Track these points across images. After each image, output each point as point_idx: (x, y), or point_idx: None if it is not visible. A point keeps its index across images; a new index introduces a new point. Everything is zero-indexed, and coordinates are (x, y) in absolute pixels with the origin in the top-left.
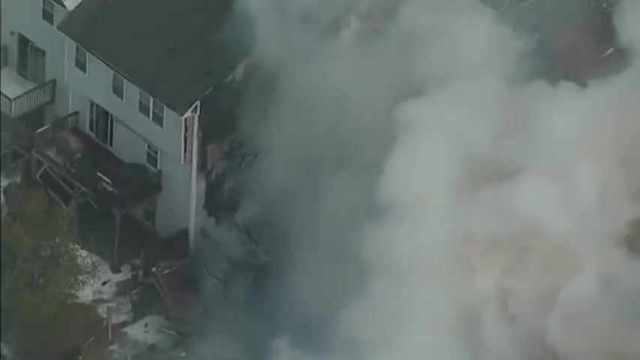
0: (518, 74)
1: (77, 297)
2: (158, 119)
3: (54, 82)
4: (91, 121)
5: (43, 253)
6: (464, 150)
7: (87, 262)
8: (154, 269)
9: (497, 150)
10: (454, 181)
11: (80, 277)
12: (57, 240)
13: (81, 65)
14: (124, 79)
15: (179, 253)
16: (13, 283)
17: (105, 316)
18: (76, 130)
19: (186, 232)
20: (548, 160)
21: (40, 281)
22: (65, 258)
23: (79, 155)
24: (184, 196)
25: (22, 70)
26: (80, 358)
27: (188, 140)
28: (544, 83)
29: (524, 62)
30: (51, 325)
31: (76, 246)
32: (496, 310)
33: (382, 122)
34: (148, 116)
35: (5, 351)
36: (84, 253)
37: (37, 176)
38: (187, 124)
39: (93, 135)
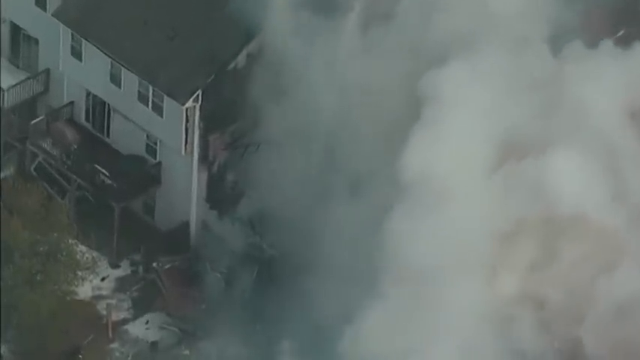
0: (553, 38)
1: (76, 293)
2: (158, 109)
3: (47, 71)
4: (87, 111)
5: (42, 248)
6: (496, 125)
7: (87, 258)
8: (154, 264)
9: (532, 123)
10: (486, 161)
11: (80, 273)
12: (56, 235)
13: (76, 54)
14: (122, 68)
15: (180, 247)
16: (11, 280)
17: (104, 313)
18: (72, 121)
19: (187, 225)
20: (587, 133)
21: (39, 278)
22: (64, 253)
23: (75, 147)
24: (185, 188)
25: (14, 59)
26: (80, 356)
27: (189, 131)
28: (581, 45)
29: (559, 25)
30: (50, 323)
31: (75, 241)
32: (530, 308)
33: (398, 104)
34: (148, 106)
35: (3, 350)
36: (83, 248)
37: (32, 169)
38: (188, 114)
39: (89, 126)
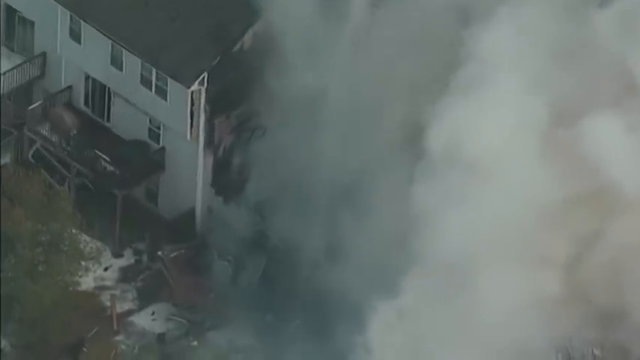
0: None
1: (79, 284)
2: (162, 92)
3: (44, 55)
4: (86, 95)
5: (44, 238)
6: (542, 91)
7: (91, 248)
8: (159, 253)
9: (579, 90)
10: (530, 131)
11: (84, 264)
12: (58, 224)
13: (75, 36)
14: (124, 50)
15: (185, 235)
16: (12, 272)
17: (108, 304)
18: (70, 106)
19: (192, 212)
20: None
21: (41, 269)
22: (67, 243)
23: (75, 132)
24: (190, 174)
25: (9, 42)
26: (84, 350)
27: (195, 114)
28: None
29: None
30: (52, 316)
31: (77, 230)
32: (575, 298)
33: (425, 70)
34: (151, 90)
35: (3, 344)
36: (86, 237)
37: (29, 156)
38: (194, 97)
39: (88, 110)
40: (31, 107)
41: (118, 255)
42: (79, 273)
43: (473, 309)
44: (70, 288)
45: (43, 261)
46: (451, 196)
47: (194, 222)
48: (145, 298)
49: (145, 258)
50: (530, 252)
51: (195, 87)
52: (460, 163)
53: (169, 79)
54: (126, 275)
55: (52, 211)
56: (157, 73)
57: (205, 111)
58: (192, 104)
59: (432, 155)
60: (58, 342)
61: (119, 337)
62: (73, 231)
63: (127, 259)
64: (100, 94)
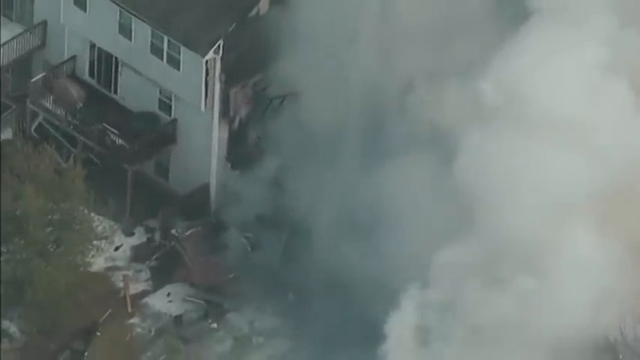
0: None
1: (91, 265)
2: (174, 62)
3: (44, 23)
4: (92, 66)
5: (55, 217)
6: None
7: (104, 227)
8: (173, 231)
9: None
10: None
11: (97, 243)
12: (69, 203)
13: (80, 3)
14: (133, 18)
15: (200, 211)
16: (23, 253)
17: (121, 285)
18: (75, 77)
19: (206, 187)
20: None
21: (52, 249)
22: (79, 222)
23: (81, 105)
24: (204, 147)
25: (7, 11)
26: (97, 334)
27: (209, 84)
28: None
29: None
30: (64, 299)
31: (88, 208)
32: None
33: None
34: (162, 59)
35: (12, 329)
36: (97, 215)
37: (32, 130)
38: (209, 66)
39: (94, 82)
40: (34, 79)
41: (129, 233)
42: (91, 253)
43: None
44: (81, 269)
45: (54, 241)
46: (505, 155)
47: (208, 198)
48: (159, 279)
49: (157, 236)
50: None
51: (210, 55)
52: (515, 124)
53: (182, 48)
54: (138, 254)
55: (64, 189)
56: (168, 41)
57: (220, 80)
58: (207, 74)
59: (484, 111)
60: (70, 326)
61: (134, 320)
62: (85, 209)
63: (139, 237)
64: (106, 65)
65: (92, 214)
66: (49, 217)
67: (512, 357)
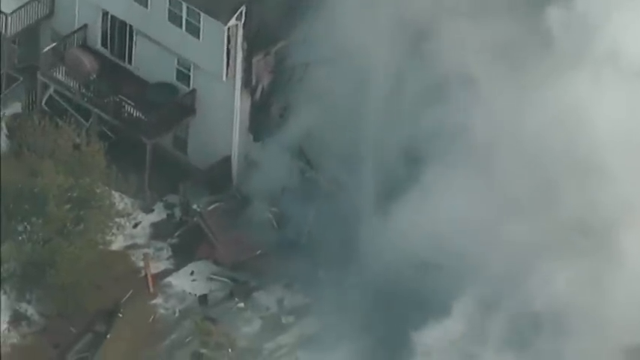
0: None
1: (111, 244)
2: (194, 30)
3: None
4: (104, 35)
5: (75, 194)
6: None
7: (125, 203)
8: (194, 206)
9: None
10: None
11: (118, 221)
12: (89, 179)
13: None
14: None
15: (221, 186)
16: (43, 233)
17: (141, 264)
18: (87, 47)
19: (227, 160)
20: None
21: (72, 228)
22: (100, 199)
23: (94, 76)
24: (224, 118)
25: None
26: (119, 315)
27: (231, 53)
28: None
29: None
30: (84, 279)
31: (108, 185)
32: None
33: None
34: (181, 27)
35: (31, 312)
36: (116, 192)
37: (43, 103)
38: (230, 33)
39: (106, 52)
40: (45, 49)
41: (148, 210)
42: (113, 231)
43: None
44: (101, 247)
45: (74, 219)
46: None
47: (230, 171)
48: (181, 257)
49: (177, 212)
50: None
51: (232, 22)
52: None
53: (203, 15)
54: (158, 232)
55: (84, 165)
56: (187, 8)
57: (243, 49)
58: (229, 41)
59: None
60: (91, 308)
61: (156, 301)
62: (105, 186)
63: (158, 213)
64: (120, 34)
65: (112, 191)
66: (69, 194)
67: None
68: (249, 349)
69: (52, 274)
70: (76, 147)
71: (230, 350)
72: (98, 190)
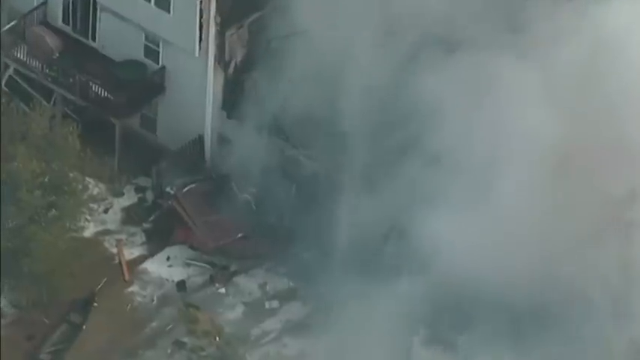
0: None
1: (84, 230)
2: (164, 4)
3: None
4: (65, 11)
5: (47, 179)
6: None
7: (99, 188)
8: (168, 189)
9: None
10: None
11: (92, 206)
12: (62, 162)
13: None
14: None
15: (193, 166)
16: (14, 220)
17: (114, 251)
18: (48, 25)
19: (200, 139)
20: None
21: (48, 214)
22: (72, 183)
23: (57, 55)
24: (197, 96)
25: None
26: (95, 305)
27: (204, 27)
28: None
29: None
30: (59, 269)
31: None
32: None
33: None
34: (150, 1)
35: (3, 303)
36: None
37: (2, 84)
38: (203, 7)
39: (68, 29)
40: (5, 28)
41: (118, 193)
42: (86, 217)
43: None
44: (74, 234)
45: (47, 206)
46: None
47: (203, 151)
48: (156, 242)
49: (149, 195)
50: None
51: None
52: None
53: None
54: (130, 216)
55: (57, 148)
56: None
57: (216, 22)
58: (201, 15)
59: None
60: (65, 298)
61: (133, 288)
62: (77, 170)
63: (129, 197)
64: (83, 10)
65: (86, 175)
66: (40, 179)
67: None
68: (236, 337)
69: (26, 262)
70: (48, 129)
71: (217, 338)
72: (71, 175)
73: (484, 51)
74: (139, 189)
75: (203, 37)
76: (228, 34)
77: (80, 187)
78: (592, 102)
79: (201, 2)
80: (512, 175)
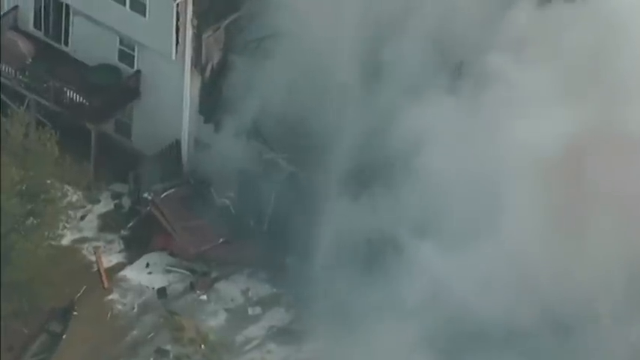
0: None
1: (62, 238)
2: (139, 7)
3: None
4: (37, 16)
5: (26, 186)
6: None
7: (78, 194)
8: (146, 195)
9: None
10: None
11: (71, 213)
12: (42, 169)
13: None
14: None
15: (171, 172)
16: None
17: (93, 259)
18: (19, 30)
19: (177, 144)
20: None
21: (28, 223)
22: (52, 190)
23: (30, 60)
24: (173, 100)
25: None
26: (75, 313)
27: (180, 30)
28: None
29: None
30: (38, 277)
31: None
32: None
33: None
34: (124, 4)
35: None
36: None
37: None
38: (179, 9)
39: (40, 34)
40: None
41: (95, 200)
42: (64, 224)
43: None
44: (53, 242)
45: (25, 214)
46: None
47: (180, 156)
48: (135, 249)
49: (125, 201)
50: None
51: None
52: None
53: None
54: (107, 223)
55: (36, 155)
56: None
57: (193, 25)
58: (178, 18)
59: None
60: (44, 307)
61: (113, 296)
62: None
63: (105, 204)
64: (55, 14)
65: (64, 182)
66: (19, 187)
67: None
68: (221, 344)
69: (7, 271)
70: (26, 135)
71: (202, 346)
72: (49, 182)
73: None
74: (115, 195)
75: (180, 40)
76: (204, 36)
77: (59, 194)
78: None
79: (177, 5)
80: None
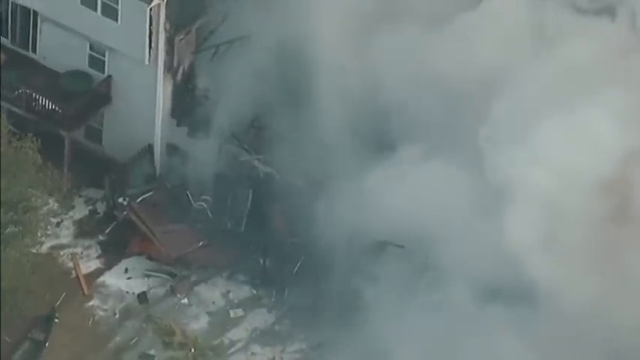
0: None
1: (42, 245)
2: (111, 12)
3: None
4: (3, 23)
5: (9, 194)
6: None
7: (58, 201)
8: (121, 200)
9: None
10: None
11: (53, 220)
12: (24, 177)
13: None
14: None
15: (144, 177)
16: None
17: (70, 265)
18: None
19: (150, 149)
20: None
21: (11, 231)
22: (32, 199)
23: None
24: (145, 104)
25: None
26: (56, 321)
27: (153, 35)
28: None
29: None
30: (23, 285)
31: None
32: None
33: None
34: (96, 10)
35: None
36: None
37: None
38: (152, 14)
39: (7, 41)
40: None
41: (69, 207)
42: (45, 232)
43: None
44: (33, 250)
45: (18, 222)
46: None
47: (152, 161)
48: (112, 254)
49: (99, 207)
50: None
51: (155, 2)
52: None
53: None
54: (83, 229)
55: (18, 163)
56: None
57: (165, 29)
58: (151, 23)
59: None
60: (26, 315)
61: (93, 302)
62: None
63: (79, 210)
64: (22, 21)
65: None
66: (5, 196)
67: None
68: (209, 347)
69: None
70: (8, 143)
71: (192, 350)
72: (30, 190)
73: None
74: (89, 201)
75: (152, 44)
76: (176, 39)
77: (39, 201)
78: None
79: (150, 10)
80: None
